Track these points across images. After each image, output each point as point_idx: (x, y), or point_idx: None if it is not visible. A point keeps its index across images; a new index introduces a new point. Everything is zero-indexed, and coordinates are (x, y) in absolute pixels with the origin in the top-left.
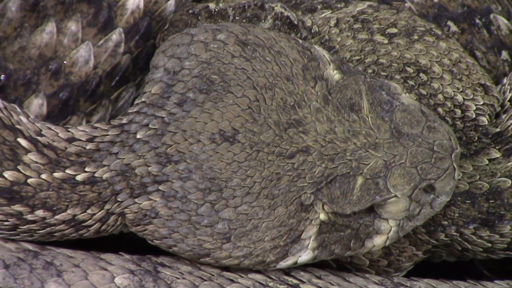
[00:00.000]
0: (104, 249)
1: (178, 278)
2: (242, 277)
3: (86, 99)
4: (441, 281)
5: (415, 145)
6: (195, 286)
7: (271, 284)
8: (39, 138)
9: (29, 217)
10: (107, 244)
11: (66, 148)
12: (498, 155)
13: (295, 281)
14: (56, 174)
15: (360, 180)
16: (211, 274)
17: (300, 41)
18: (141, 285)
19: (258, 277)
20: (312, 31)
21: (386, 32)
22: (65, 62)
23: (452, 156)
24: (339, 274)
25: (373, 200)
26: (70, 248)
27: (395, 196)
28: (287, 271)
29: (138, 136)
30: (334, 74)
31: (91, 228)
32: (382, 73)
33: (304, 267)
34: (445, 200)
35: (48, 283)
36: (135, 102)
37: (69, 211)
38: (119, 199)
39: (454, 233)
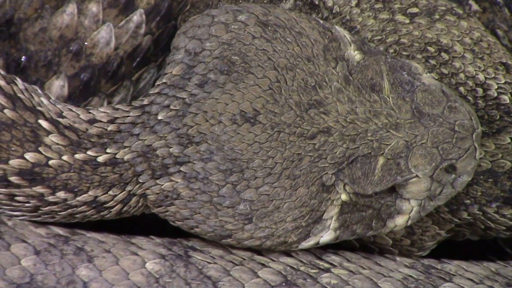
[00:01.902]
0: (136, 228)
1: (210, 263)
2: (274, 261)
3: (107, 80)
4: (471, 262)
5: (436, 125)
6: (226, 271)
7: (302, 268)
8: (60, 119)
9: (51, 198)
10: (138, 223)
11: (87, 129)
12: None
13: (326, 265)
14: (77, 156)
15: (381, 160)
16: (243, 258)
17: (321, 21)
18: (172, 270)
19: (290, 261)
20: (333, 11)
21: (408, 12)
22: (86, 43)
23: (473, 136)
24: (371, 257)
25: (395, 181)
26: (101, 231)
27: (417, 176)
28: (318, 255)
29: (159, 117)
30: (355, 55)
31: (112, 210)
32: (404, 53)
33: (336, 250)
34: (467, 180)
35: (79, 269)
36: (156, 83)
37: (90, 193)
38: (140, 180)
39: (477, 212)
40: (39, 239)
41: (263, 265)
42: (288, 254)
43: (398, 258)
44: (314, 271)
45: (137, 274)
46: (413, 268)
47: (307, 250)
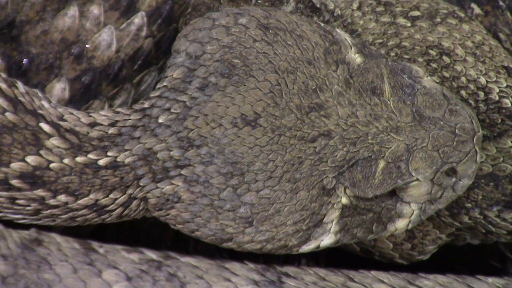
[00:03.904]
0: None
1: None
2: (366, 287)
3: (109, 83)
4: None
5: (437, 128)
6: None
7: None
8: (61, 123)
9: (52, 202)
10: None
11: (88, 132)
12: None
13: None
14: (78, 159)
15: (382, 163)
16: (335, 285)
17: (322, 24)
18: None
19: (383, 287)
20: (335, 14)
21: (409, 15)
22: (87, 46)
23: (474, 139)
24: (462, 280)
25: (395, 184)
26: (195, 255)
27: (417, 179)
28: (410, 280)
29: (160, 121)
30: (355, 58)
31: (113, 213)
32: (405, 56)
33: (427, 274)
34: (467, 183)
35: None
36: (157, 87)
37: (91, 196)
38: (141, 184)
39: (477, 216)
40: (131, 265)
41: None
42: (380, 280)
43: (490, 280)
44: None
45: None
46: None
47: (398, 275)
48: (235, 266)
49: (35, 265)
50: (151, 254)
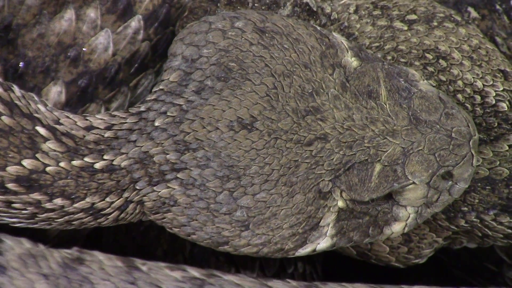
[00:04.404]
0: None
1: None
2: None
3: (105, 86)
4: None
5: (433, 132)
6: None
7: None
8: (57, 126)
9: (48, 205)
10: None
11: (84, 136)
12: None
13: None
14: (74, 162)
15: (378, 167)
16: None
17: (318, 28)
18: None
19: None
20: (331, 17)
21: (406, 19)
22: (84, 49)
23: (470, 143)
24: None
25: (391, 187)
26: (237, 274)
27: (413, 183)
28: None
29: (156, 124)
30: (352, 61)
31: (109, 216)
32: (402, 60)
33: None
34: (464, 187)
35: None
36: (153, 90)
37: (87, 199)
38: (137, 187)
39: (474, 219)
40: (173, 284)
41: None
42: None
43: None
44: None
45: None
46: None
47: None
48: (277, 284)
49: (77, 284)
50: (194, 272)
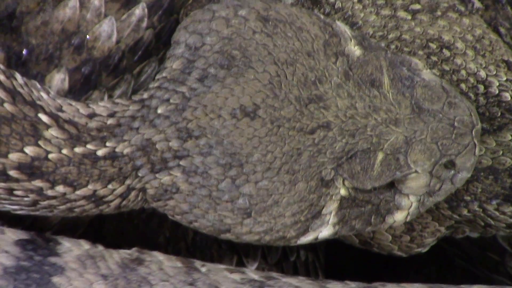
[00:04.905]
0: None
1: None
2: None
3: (109, 73)
4: None
5: (436, 121)
6: None
7: None
8: (60, 113)
9: (50, 192)
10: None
11: (87, 123)
12: None
13: None
14: (77, 149)
15: (380, 155)
16: None
17: (322, 16)
18: None
19: None
20: (335, 6)
21: (410, 8)
22: (88, 37)
23: (473, 132)
24: None
25: (394, 176)
26: (296, 276)
27: (416, 171)
28: None
29: (158, 111)
30: (355, 50)
31: (111, 204)
32: (405, 49)
33: None
34: (466, 176)
35: None
36: (156, 78)
37: (89, 187)
38: (139, 175)
39: (477, 209)
40: (232, 285)
41: None
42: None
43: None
44: None
45: None
46: None
47: None
48: (337, 286)
49: (136, 285)
50: (253, 275)
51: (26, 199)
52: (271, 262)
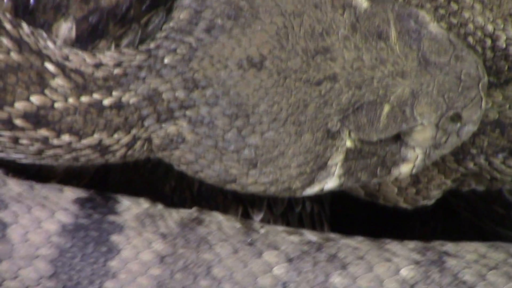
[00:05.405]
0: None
1: (464, 268)
2: None
3: (116, 23)
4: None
5: (442, 73)
6: (481, 275)
7: None
8: (66, 63)
9: (55, 141)
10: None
11: (93, 72)
12: None
13: None
14: (83, 99)
15: (387, 107)
16: (497, 263)
17: None
18: (427, 276)
19: None
20: None
21: None
22: None
23: (479, 85)
24: None
25: (400, 128)
26: (353, 237)
27: (422, 124)
28: None
29: (165, 61)
30: (362, 2)
31: (117, 153)
32: (413, 2)
33: None
34: (472, 129)
35: (332, 276)
36: (163, 28)
37: (95, 136)
38: (145, 124)
39: (483, 162)
40: (292, 246)
41: None
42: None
43: None
44: None
45: (391, 281)
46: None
47: None
48: (395, 246)
49: (195, 245)
50: (311, 236)
51: (31, 148)
52: (277, 212)
